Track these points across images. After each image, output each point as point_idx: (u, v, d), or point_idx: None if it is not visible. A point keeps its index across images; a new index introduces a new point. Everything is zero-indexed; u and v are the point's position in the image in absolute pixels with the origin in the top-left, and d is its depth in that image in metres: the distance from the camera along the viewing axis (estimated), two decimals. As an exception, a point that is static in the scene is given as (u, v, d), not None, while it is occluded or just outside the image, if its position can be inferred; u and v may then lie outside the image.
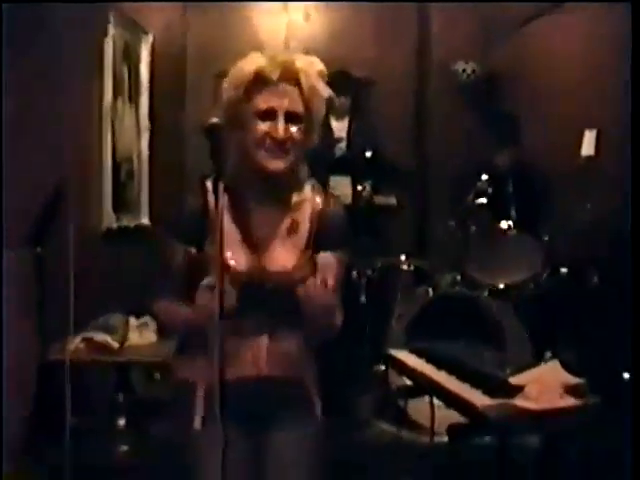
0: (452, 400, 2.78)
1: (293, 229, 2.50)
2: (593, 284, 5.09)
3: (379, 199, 6.50)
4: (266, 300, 2.41)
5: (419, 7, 7.41)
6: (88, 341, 4.34)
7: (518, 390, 2.64)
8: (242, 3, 7.42)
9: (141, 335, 4.54)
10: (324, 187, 6.53)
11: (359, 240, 5.89)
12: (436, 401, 3.65)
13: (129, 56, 5.93)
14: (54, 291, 4.07)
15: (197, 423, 2.44)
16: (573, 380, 2.73)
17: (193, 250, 2.44)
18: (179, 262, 2.47)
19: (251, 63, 2.38)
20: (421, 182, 7.17)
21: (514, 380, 2.75)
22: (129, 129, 5.97)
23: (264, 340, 2.45)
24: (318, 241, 2.51)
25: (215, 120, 2.23)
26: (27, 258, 4.21)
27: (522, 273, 5.07)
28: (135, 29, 6.02)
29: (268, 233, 2.48)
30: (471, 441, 3.92)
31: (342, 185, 6.55)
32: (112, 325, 4.45)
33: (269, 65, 2.36)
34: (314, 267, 2.46)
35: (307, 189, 2.56)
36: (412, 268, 5.64)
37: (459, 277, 5.16)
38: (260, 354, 2.45)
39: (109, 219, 5.47)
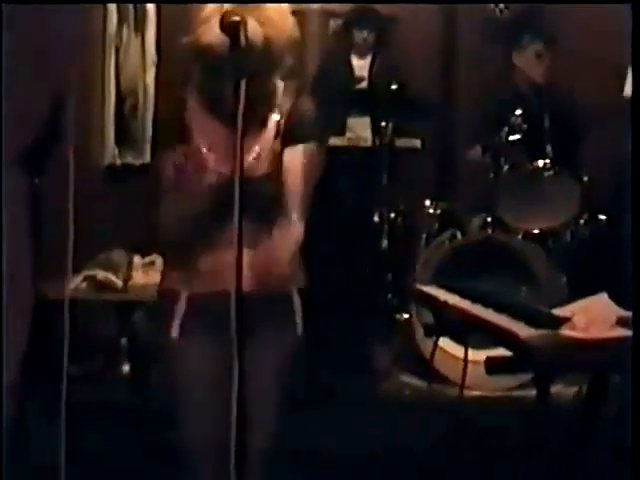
0: (490, 331, 2.67)
1: (264, 123, 2.61)
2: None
3: (401, 141, 6.35)
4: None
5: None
6: (90, 279, 4.27)
7: (564, 321, 2.52)
8: None
9: (147, 275, 4.45)
10: (342, 128, 6.42)
11: (380, 183, 5.80)
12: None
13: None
14: (52, 227, 3.97)
15: (174, 331, 2.60)
16: (624, 312, 2.62)
17: (177, 157, 2.61)
18: (168, 170, 2.63)
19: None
20: (448, 120, 7.01)
21: (558, 312, 2.64)
22: (134, 60, 5.83)
23: (245, 252, 2.41)
24: (286, 135, 2.62)
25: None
26: (23, 190, 4.10)
27: (558, 217, 4.94)
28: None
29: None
30: (511, 376, 3.85)
31: (361, 126, 6.42)
32: (115, 262, 4.37)
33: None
34: (280, 162, 2.60)
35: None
36: (438, 212, 5.49)
37: (489, 219, 5.04)
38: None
39: (111, 155, 5.37)
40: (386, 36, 6.89)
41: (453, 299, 3.07)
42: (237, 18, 2.30)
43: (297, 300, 2.74)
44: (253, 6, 2.49)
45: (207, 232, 2.57)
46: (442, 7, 7.24)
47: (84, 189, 4.34)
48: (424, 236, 5.33)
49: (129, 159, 5.61)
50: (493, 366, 2.69)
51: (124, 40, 5.59)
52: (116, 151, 5.46)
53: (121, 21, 5.50)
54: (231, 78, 2.30)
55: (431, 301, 3.27)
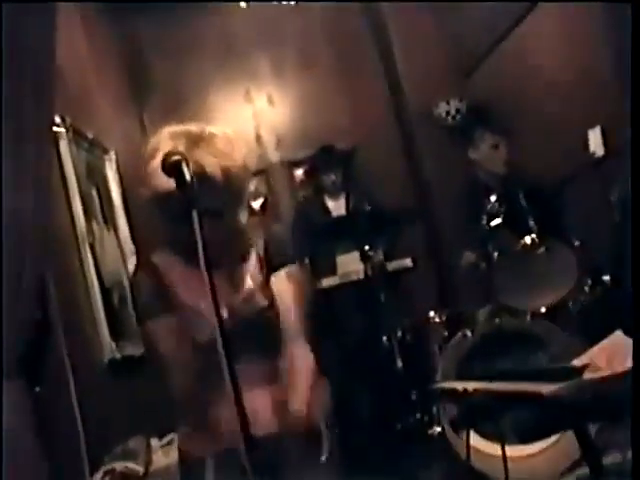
0: (517, 400, 2.52)
1: (245, 259, 2.64)
2: (640, 286, 4.82)
3: (392, 264, 6.30)
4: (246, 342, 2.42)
5: (380, 56, 7.36)
6: (110, 474, 4.06)
7: (584, 368, 2.38)
8: (202, 106, 7.38)
9: (167, 455, 4.25)
10: (333, 268, 6.34)
11: (382, 307, 5.69)
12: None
13: (94, 177, 5.77)
14: (63, 432, 3.85)
15: None
16: (643, 343, 2.46)
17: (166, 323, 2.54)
18: (162, 339, 2.55)
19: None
20: (430, 230, 6.99)
21: (577, 362, 2.50)
22: (112, 253, 5.77)
23: (263, 391, 2.44)
24: (269, 264, 2.64)
25: None
26: (26, 400, 3.96)
27: (561, 288, 4.80)
28: (94, 148, 5.88)
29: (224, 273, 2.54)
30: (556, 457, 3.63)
31: (351, 262, 6.35)
32: (132, 450, 4.18)
33: None
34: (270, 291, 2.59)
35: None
36: (444, 318, 5.36)
37: (494, 310, 4.90)
38: (263, 409, 2.42)
39: (109, 350, 5.24)
40: (352, 170, 6.91)
41: (475, 385, 2.93)
42: (177, 157, 2.22)
43: (326, 434, 2.58)
44: (203, 140, 2.48)
45: (216, 384, 2.43)
46: (399, 127, 7.32)
47: (90, 388, 4.25)
48: (437, 346, 5.18)
49: (128, 350, 5.47)
50: (526, 433, 2.53)
51: (97, 236, 5.52)
52: (114, 345, 5.32)
53: (89, 217, 5.44)
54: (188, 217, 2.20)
55: (452, 394, 3.12)
